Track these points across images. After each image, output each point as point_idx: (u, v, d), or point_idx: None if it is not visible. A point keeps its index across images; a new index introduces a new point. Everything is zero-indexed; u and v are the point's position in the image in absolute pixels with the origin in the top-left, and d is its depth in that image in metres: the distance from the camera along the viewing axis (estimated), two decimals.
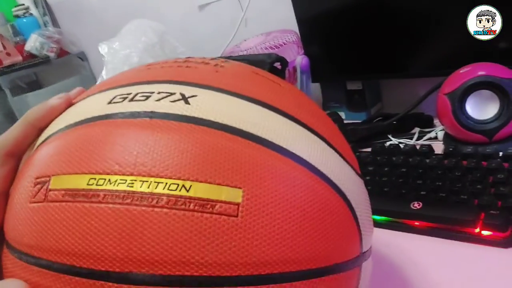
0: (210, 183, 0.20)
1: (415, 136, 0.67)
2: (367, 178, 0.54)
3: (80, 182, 0.21)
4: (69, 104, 0.27)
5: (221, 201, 0.20)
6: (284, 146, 0.23)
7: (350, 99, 0.83)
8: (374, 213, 0.48)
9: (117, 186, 0.20)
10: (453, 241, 0.43)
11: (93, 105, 0.25)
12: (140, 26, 0.62)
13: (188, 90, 0.24)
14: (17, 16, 1.65)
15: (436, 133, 0.66)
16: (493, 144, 0.55)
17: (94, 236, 0.20)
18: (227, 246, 0.20)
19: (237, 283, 0.20)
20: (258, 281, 0.20)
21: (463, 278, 0.38)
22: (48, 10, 1.66)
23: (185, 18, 1.19)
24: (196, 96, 0.23)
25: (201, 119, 0.22)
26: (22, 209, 0.22)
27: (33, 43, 1.54)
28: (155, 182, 0.20)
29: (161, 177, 0.20)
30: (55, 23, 1.68)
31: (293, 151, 0.23)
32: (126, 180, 0.20)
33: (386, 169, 0.54)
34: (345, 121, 0.77)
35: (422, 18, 0.67)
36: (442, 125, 0.60)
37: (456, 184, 0.47)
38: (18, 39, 1.66)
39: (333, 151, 0.25)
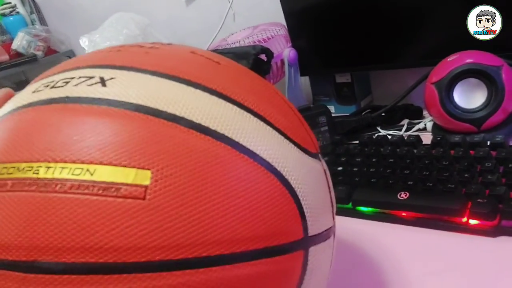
0: (115, 165, 0.20)
1: (404, 128, 0.67)
2: (355, 169, 0.53)
3: None
4: (9, 96, 0.27)
5: (126, 184, 0.19)
6: (204, 124, 0.22)
7: (339, 92, 0.82)
8: (361, 204, 0.48)
9: (25, 173, 0.20)
10: (440, 231, 0.42)
11: (21, 96, 0.25)
12: (121, 18, 0.61)
13: (108, 73, 0.23)
14: (4, 15, 1.63)
15: (425, 124, 0.65)
16: (481, 133, 0.54)
17: (1, 226, 0.20)
18: (133, 230, 0.19)
19: (148, 269, 0.19)
20: (170, 267, 0.19)
21: (451, 268, 0.37)
22: (35, 8, 1.64)
23: (172, 13, 1.18)
24: (114, 78, 0.23)
25: (115, 100, 0.22)
26: None
27: (19, 41, 1.52)
28: (60, 167, 0.20)
29: (66, 162, 0.20)
30: (42, 21, 1.66)
31: (214, 128, 0.22)
32: (32, 167, 0.20)
33: (374, 160, 0.54)
34: (334, 115, 0.76)
35: (410, 8, 0.66)
36: (430, 115, 0.60)
37: (444, 173, 0.46)
38: (5, 37, 1.64)
39: (270, 128, 0.24)
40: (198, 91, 0.23)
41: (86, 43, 0.60)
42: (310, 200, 0.25)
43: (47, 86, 0.24)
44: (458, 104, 0.55)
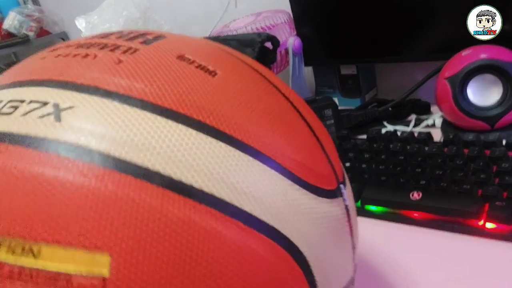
0: (64, 245, 0.15)
1: (412, 123, 0.64)
2: (363, 166, 0.51)
3: None
4: None
5: (79, 275, 0.15)
6: (185, 181, 0.17)
7: (344, 84, 0.80)
8: (371, 203, 0.46)
9: None
10: (455, 234, 0.40)
11: None
12: (121, 0, 0.58)
13: (65, 98, 0.18)
14: None
15: (433, 120, 0.63)
16: (495, 131, 0.52)
17: None
18: None
19: None
20: None
21: (466, 274, 0.35)
22: None
23: None
24: (72, 107, 0.18)
25: (70, 145, 0.16)
26: None
27: (11, 21, 1.47)
28: None
29: (4, 235, 0.15)
30: (35, 1, 1.61)
31: (198, 186, 0.17)
32: None
33: (383, 156, 0.51)
34: (339, 108, 0.74)
35: (419, 0, 0.63)
36: (441, 111, 0.58)
37: (458, 173, 0.44)
38: None
39: (274, 172, 0.19)
40: (181, 128, 0.18)
41: (83, 25, 0.57)
42: (324, 263, 0.20)
43: None
44: (471, 100, 0.53)
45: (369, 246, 0.41)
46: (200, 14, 1.10)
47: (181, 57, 0.21)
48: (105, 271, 0.15)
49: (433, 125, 0.62)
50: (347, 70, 0.78)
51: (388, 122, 0.66)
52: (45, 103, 0.18)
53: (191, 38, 0.24)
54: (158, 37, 0.23)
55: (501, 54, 0.52)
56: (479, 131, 0.52)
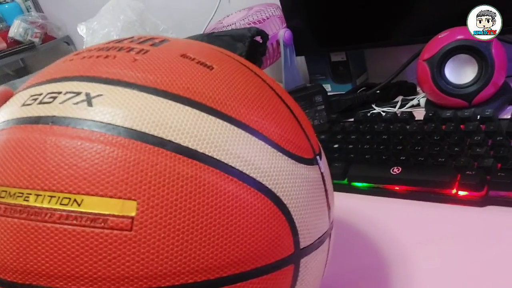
0: (101, 196, 0.20)
1: (398, 104, 0.68)
2: (350, 146, 0.55)
3: None
4: (6, 95, 0.27)
5: (113, 215, 0.20)
6: (191, 147, 0.21)
7: (335, 71, 0.84)
8: (356, 180, 0.50)
9: (16, 199, 0.21)
10: (431, 203, 0.44)
11: (12, 106, 0.25)
12: (118, 4, 0.62)
13: (95, 88, 0.23)
14: None
15: (418, 100, 0.66)
16: (472, 107, 0.55)
17: None
18: (120, 261, 0.20)
19: None
20: None
21: (442, 237, 0.39)
22: None
23: None
24: (101, 95, 0.22)
25: (101, 123, 0.21)
26: None
27: (16, 29, 1.52)
28: (48, 196, 0.20)
29: (54, 190, 0.20)
30: (37, 7, 1.65)
31: (202, 151, 0.21)
32: (23, 194, 0.21)
33: (368, 137, 0.55)
34: (331, 93, 0.77)
35: None
36: (423, 91, 0.61)
37: (435, 148, 0.48)
38: (1, 26, 1.64)
39: (262, 142, 0.23)
40: (187, 108, 0.22)
41: (83, 31, 0.61)
42: (303, 214, 0.25)
43: (35, 100, 0.23)
44: (449, 80, 0.56)
45: (356, 219, 0.45)
46: (194, 11, 1.13)
47: (184, 56, 0.26)
48: (132, 213, 0.20)
49: (418, 105, 0.66)
50: (337, 57, 0.82)
51: (376, 105, 0.70)
52: (78, 93, 0.23)
53: (191, 42, 0.29)
54: (163, 40, 0.27)
55: None
56: (457, 108, 0.55)
